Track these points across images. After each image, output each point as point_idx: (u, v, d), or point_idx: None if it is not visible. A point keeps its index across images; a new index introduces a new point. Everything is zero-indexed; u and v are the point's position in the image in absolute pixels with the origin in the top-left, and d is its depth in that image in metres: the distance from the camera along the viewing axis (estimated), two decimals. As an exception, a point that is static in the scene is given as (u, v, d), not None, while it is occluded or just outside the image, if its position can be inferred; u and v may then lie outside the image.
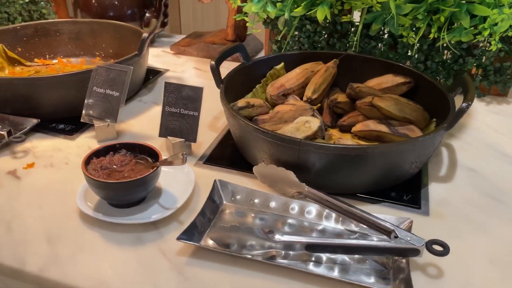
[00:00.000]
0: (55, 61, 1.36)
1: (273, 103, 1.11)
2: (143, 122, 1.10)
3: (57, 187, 0.86)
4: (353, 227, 0.77)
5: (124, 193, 0.75)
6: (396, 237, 0.69)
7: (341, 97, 1.04)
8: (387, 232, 0.71)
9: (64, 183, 0.87)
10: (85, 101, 1.00)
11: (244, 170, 0.91)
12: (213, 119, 1.11)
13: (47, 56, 1.37)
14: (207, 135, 1.03)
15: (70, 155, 0.96)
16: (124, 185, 0.74)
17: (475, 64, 1.22)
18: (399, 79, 1.05)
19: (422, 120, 0.97)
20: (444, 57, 1.22)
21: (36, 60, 1.34)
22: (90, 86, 1.00)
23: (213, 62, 0.97)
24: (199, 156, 0.96)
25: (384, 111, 0.96)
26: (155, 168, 0.77)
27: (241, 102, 1.00)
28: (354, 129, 0.99)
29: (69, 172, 0.91)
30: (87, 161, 0.79)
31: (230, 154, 0.97)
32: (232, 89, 1.02)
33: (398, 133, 0.95)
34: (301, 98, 1.09)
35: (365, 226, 0.74)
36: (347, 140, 0.93)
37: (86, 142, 1.01)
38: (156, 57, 1.49)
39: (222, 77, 0.99)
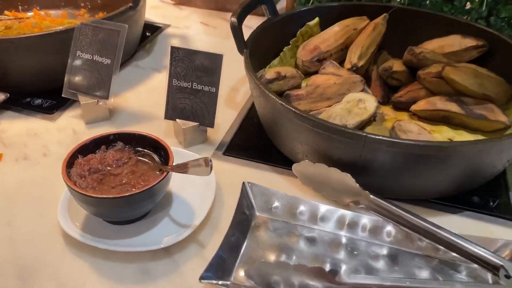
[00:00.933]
0: (30, 13, 1.10)
1: (305, 71, 0.88)
2: (142, 95, 0.87)
3: (32, 192, 0.65)
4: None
5: (123, 210, 0.54)
6: (508, 276, 0.49)
7: (397, 65, 0.81)
8: (491, 267, 0.51)
9: (42, 184, 0.66)
10: (67, 70, 0.77)
11: (276, 164, 0.70)
12: (230, 91, 0.89)
13: (20, 7, 1.11)
14: (225, 114, 0.81)
15: (50, 143, 0.74)
16: (122, 200, 0.53)
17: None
18: (469, 42, 0.82)
19: (504, 97, 0.76)
20: (513, 11, 0.98)
21: (6, 13, 1.08)
22: (73, 50, 0.77)
23: (234, 19, 0.74)
24: (217, 144, 0.75)
25: (457, 85, 0.74)
26: (165, 174, 0.55)
27: (269, 73, 0.77)
28: (414, 107, 0.77)
29: (49, 168, 0.69)
30: (70, 161, 0.57)
31: (256, 140, 0.76)
32: (256, 54, 0.79)
33: (474, 114, 0.73)
34: (340, 64, 0.87)
35: (454, 254, 0.54)
36: (410, 124, 0.72)
37: (70, 124, 0.78)
38: (154, 9, 1.23)
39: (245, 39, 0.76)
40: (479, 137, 0.72)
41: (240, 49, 0.75)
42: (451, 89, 0.76)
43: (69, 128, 0.77)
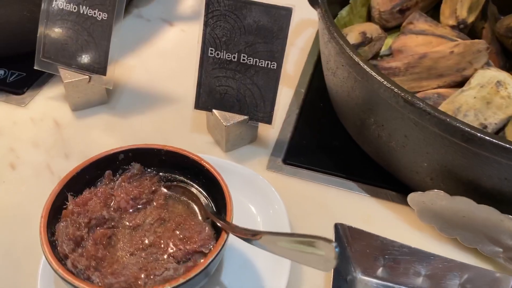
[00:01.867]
0: None
1: (382, 25, 0.62)
2: (152, 63, 0.60)
3: (-6, 236, 0.41)
4: None
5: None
6: None
7: (527, 24, 0.56)
8: None
9: (9, 225, 0.41)
10: (40, 28, 0.50)
11: (369, 181, 0.47)
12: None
13: None
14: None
15: (20, 145, 0.49)
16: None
17: None
18: None
19: None
20: None
21: None
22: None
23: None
24: (272, 144, 0.50)
25: None
26: (224, 237, 0.31)
27: (352, 35, 0.52)
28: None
29: (19, 193, 0.44)
30: (55, 208, 0.33)
31: (330, 137, 0.51)
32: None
33: None
34: (434, 18, 0.61)
35: None
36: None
37: (50, 110, 0.52)
38: None
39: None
40: None
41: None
42: None
43: (48, 117, 0.51)
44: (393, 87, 0.38)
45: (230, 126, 0.47)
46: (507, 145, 0.33)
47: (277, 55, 0.45)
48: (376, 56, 0.59)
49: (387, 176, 0.46)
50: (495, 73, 0.47)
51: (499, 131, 0.45)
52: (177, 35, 0.65)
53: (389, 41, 0.61)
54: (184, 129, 0.51)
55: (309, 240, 0.26)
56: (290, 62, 0.61)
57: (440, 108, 0.46)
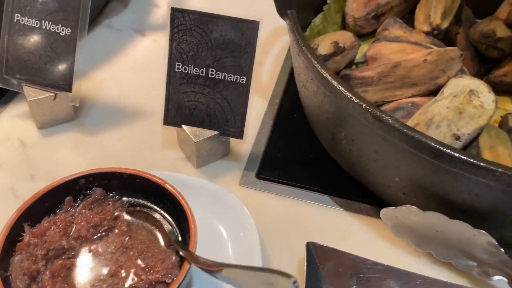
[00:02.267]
0: None
1: (357, 32, 0.62)
2: (124, 77, 0.59)
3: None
4: None
5: None
6: None
7: (501, 30, 0.55)
8: None
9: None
10: (1, 46, 0.48)
11: (344, 195, 0.46)
12: (255, 68, 0.61)
13: None
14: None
15: (-17, 167, 0.47)
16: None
17: None
18: None
19: None
20: None
21: None
22: (8, 13, 0.48)
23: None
24: (245, 159, 0.49)
25: None
26: (186, 267, 0.30)
27: (324, 45, 0.51)
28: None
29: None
30: (10, 240, 0.31)
31: (305, 150, 0.50)
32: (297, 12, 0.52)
33: None
34: (410, 23, 0.61)
35: None
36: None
37: (15, 129, 0.51)
38: None
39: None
40: None
41: (282, 9, 0.47)
42: None
43: (13, 137, 0.50)
44: (361, 103, 0.37)
45: (200, 142, 0.45)
46: (475, 161, 0.33)
47: (246, 70, 0.44)
48: (351, 63, 0.58)
49: (363, 190, 0.45)
50: (468, 82, 0.46)
51: (473, 140, 0.45)
52: (149, 46, 0.63)
53: (364, 47, 0.60)
54: (155, 145, 0.50)
55: (269, 274, 0.25)
56: (264, 71, 0.60)
57: (413, 118, 0.45)
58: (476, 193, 0.35)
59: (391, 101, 0.50)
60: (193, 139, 0.45)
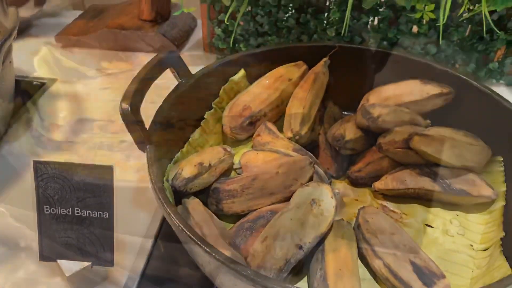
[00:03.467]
0: None
1: (236, 139, 0.69)
2: (22, 212, 0.63)
3: None
4: None
5: None
6: None
7: (349, 131, 0.63)
8: None
9: None
10: None
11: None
12: (139, 178, 0.66)
13: None
14: (132, 221, 0.59)
15: None
16: None
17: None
18: (432, 89, 0.66)
19: (483, 161, 0.60)
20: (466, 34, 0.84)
21: None
22: None
23: (126, 106, 0.51)
24: (123, 282, 0.53)
25: (431, 158, 0.58)
26: None
27: (187, 168, 0.56)
28: (378, 185, 0.60)
29: None
30: None
31: (184, 267, 0.55)
32: (170, 133, 0.59)
33: (453, 190, 0.58)
34: (278, 123, 0.69)
35: None
36: (378, 216, 0.54)
37: None
38: (34, 55, 0.96)
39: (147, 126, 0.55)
40: (460, 214, 0.59)
41: (141, 144, 0.53)
42: (421, 158, 0.59)
43: None
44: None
45: (73, 276, 0.49)
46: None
47: (107, 206, 0.48)
48: (230, 169, 0.64)
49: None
50: (311, 190, 0.53)
51: (319, 245, 0.51)
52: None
53: (244, 149, 0.66)
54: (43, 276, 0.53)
55: None
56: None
57: (263, 232, 0.50)
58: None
59: (255, 210, 0.56)
60: (66, 274, 0.49)
